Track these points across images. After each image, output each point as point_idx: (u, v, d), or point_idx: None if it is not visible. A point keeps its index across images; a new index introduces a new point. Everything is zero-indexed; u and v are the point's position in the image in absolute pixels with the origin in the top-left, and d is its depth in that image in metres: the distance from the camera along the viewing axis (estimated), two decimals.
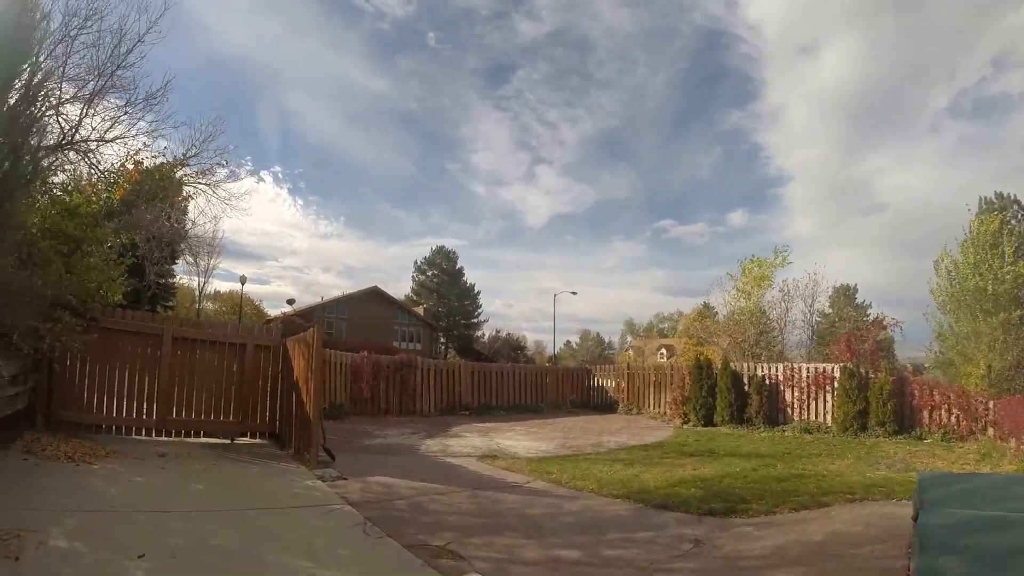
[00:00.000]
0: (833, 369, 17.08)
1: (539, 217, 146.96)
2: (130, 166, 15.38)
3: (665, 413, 20.64)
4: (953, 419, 14.83)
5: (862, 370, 16.26)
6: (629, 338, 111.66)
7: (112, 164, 15.78)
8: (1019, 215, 26.25)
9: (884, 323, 18.93)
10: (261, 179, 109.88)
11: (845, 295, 52.94)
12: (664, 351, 79.06)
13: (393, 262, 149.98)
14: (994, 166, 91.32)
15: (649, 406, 22.05)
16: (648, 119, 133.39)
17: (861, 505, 8.03)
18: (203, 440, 11.35)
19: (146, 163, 15.94)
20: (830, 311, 38.48)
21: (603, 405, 24.06)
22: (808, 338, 28.25)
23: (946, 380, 19.18)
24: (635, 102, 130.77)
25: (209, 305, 65.82)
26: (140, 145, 16.43)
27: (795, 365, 18.40)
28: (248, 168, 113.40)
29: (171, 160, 16.05)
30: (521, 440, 14.58)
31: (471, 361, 29.61)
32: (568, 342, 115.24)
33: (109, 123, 16.54)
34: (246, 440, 11.80)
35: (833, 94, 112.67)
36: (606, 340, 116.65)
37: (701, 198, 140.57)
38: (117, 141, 16.67)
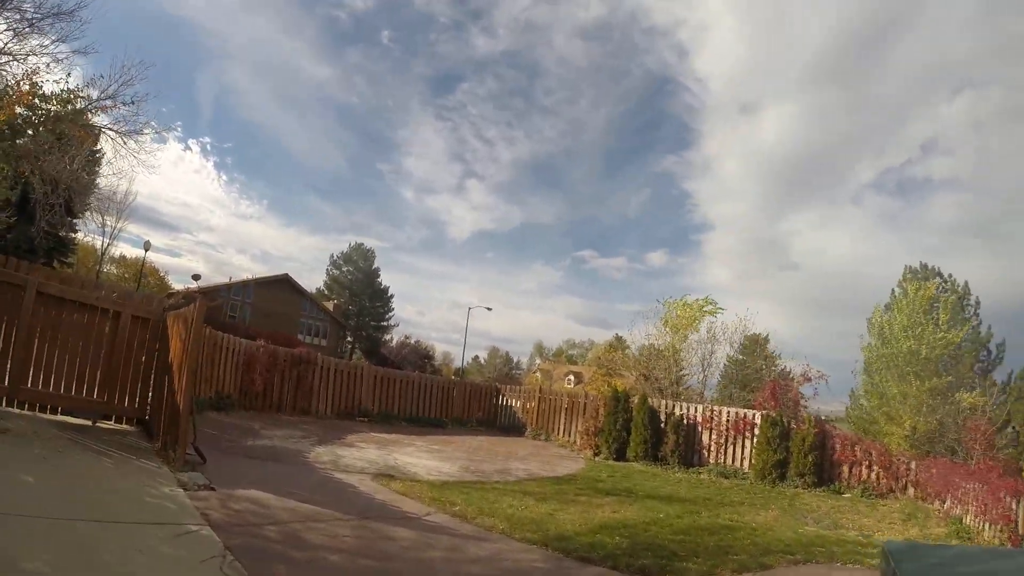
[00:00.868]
0: (754, 416, 16.55)
1: (463, 231, 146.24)
2: (26, 87, 13.56)
3: (575, 442, 19.65)
4: (874, 476, 14.64)
5: (784, 419, 15.69)
6: (538, 360, 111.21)
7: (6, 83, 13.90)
8: (942, 287, 26.91)
9: (809, 375, 18.42)
10: (189, 148, 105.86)
11: (756, 343, 53.20)
12: (572, 377, 78.79)
13: (310, 254, 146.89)
14: (908, 244, 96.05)
15: (559, 433, 21.02)
16: (584, 151, 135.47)
17: (806, 568, 7.27)
18: (61, 419, 9.61)
19: (47, 88, 14.11)
20: (741, 357, 38.60)
21: (510, 427, 22.86)
22: (716, 382, 27.87)
23: (867, 437, 18.88)
24: (574, 133, 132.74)
25: (113, 269, 61.92)
26: (42, 65, 14.60)
27: (715, 408, 17.77)
28: (177, 134, 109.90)
29: (74, 89, 14.27)
30: (422, 458, 13.24)
31: (376, 365, 27.98)
32: (476, 357, 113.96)
33: (11, 34, 14.70)
34: (110, 425, 10.10)
35: (765, 154, 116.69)
36: (515, 360, 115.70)
37: (624, 234, 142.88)
38: (18, 59, 14.79)
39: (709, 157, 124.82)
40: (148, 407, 10.41)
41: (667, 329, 24.56)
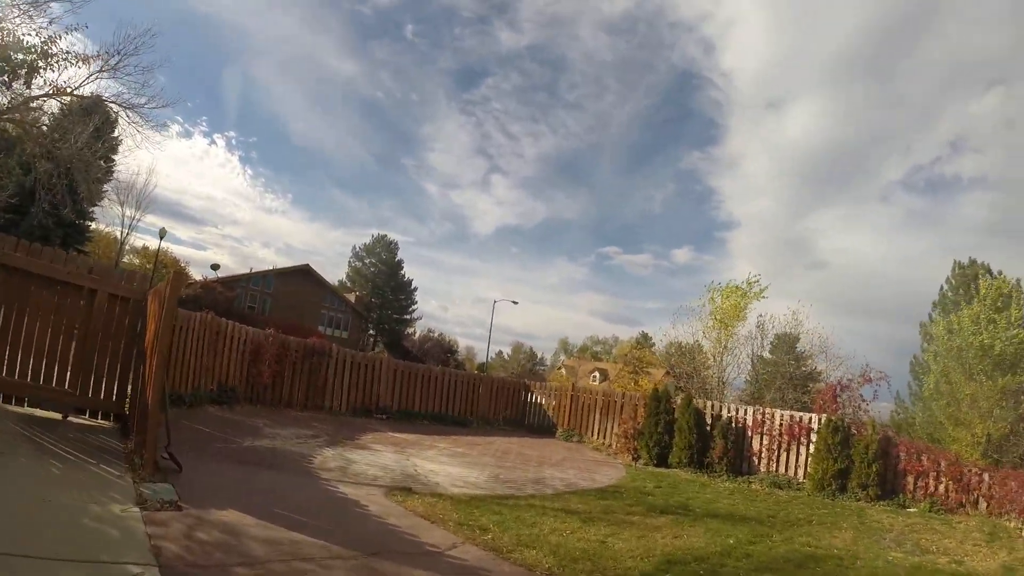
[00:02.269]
0: (811, 420, 14.81)
1: (487, 225, 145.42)
2: None
3: (611, 445, 18.05)
4: (942, 488, 12.92)
5: (846, 424, 13.99)
6: (562, 356, 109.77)
7: None
8: (990, 284, 25.49)
9: (869, 375, 16.57)
10: (214, 142, 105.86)
11: (787, 343, 51.52)
12: (597, 374, 77.50)
13: (334, 248, 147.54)
14: (937, 243, 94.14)
15: (592, 434, 19.41)
16: (609, 146, 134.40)
17: None
18: (28, 411, 8.30)
19: (27, 39, 12.80)
20: (770, 356, 37.12)
21: (540, 427, 21.32)
22: (744, 381, 26.10)
23: (932, 444, 17.19)
24: (599, 128, 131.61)
25: (135, 260, 61.25)
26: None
27: (767, 410, 16.00)
28: (203, 129, 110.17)
29: (53, 37, 12.95)
30: (445, 464, 11.70)
31: (398, 358, 26.52)
32: (500, 352, 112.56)
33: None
34: (84, 420, 8.76)
35: (792, 150, 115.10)
36: (539, 355, 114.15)
37: (649, 231, 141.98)
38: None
39: (735, 154, 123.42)
40: (126, 401, 8.97)
41: (716, 322, 22.79)
